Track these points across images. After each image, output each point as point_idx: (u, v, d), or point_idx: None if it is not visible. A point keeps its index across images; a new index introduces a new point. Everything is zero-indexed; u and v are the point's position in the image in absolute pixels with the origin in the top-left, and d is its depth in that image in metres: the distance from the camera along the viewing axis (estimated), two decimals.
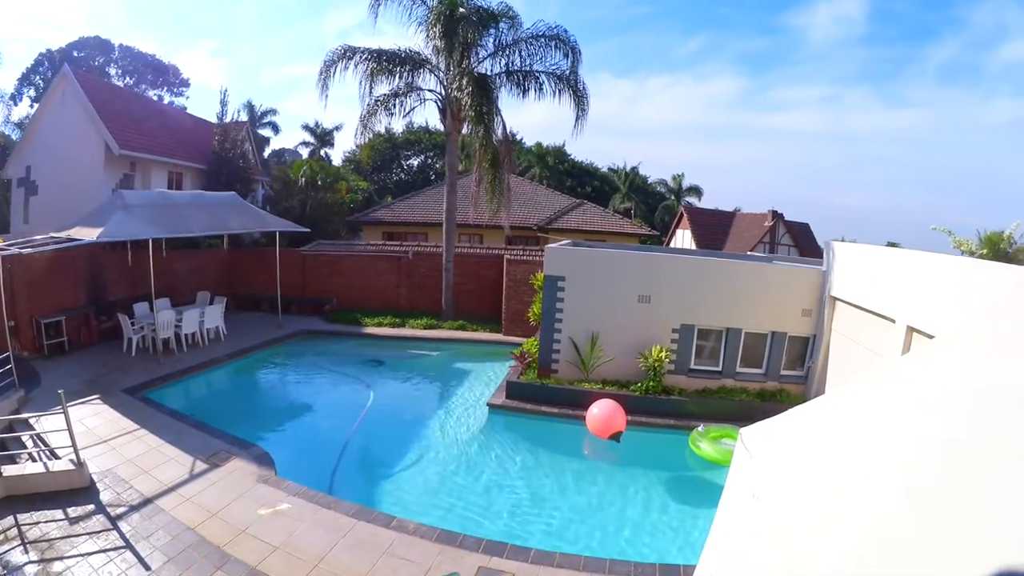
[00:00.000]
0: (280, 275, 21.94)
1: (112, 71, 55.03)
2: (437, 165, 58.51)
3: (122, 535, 8.13)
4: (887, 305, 11.90)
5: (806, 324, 15.13)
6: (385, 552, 8.07)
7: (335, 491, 10.29)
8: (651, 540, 9.66)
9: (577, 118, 22.52)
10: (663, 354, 14.57)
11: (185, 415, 12.74)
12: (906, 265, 11.76)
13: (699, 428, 12.67)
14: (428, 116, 60.39)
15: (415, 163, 63.21)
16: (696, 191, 62.48)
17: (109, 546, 7.90)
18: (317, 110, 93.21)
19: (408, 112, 23.55)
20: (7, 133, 43.66)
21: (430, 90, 23.24)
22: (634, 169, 61.91)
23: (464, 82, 21.03)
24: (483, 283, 23.75)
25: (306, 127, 54.73)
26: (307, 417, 15.10)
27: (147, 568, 7.41)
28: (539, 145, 60.99)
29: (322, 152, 54.67)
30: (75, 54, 52.43)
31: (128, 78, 55.20)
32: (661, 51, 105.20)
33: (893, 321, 11.48)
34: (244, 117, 44.84)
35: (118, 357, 16.55)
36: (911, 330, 10.91)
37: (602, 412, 12.56)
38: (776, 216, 49.51)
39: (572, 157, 63.00)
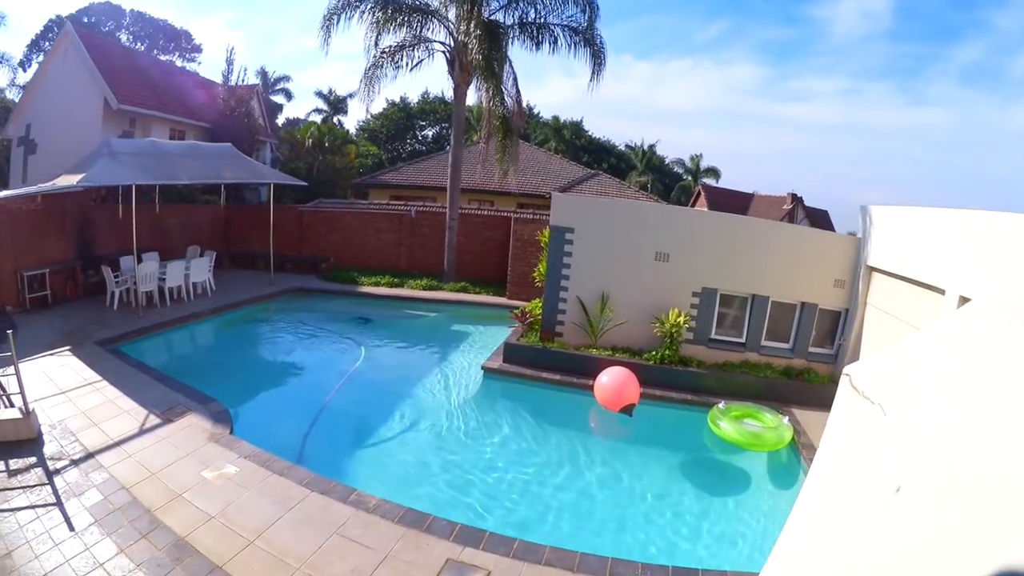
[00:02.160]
0: (277, 232, 20.95)
1: (123, 37, 53.14)
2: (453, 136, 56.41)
3: (55, 491, 7.17)
4: (936, 274, 10.01)
5: (838, 296, 13.36)
6: (336, 532, 6.69)
7: (305, 456, 9.08)
8: (663, 533, 7.97)
9: (593, 73, 21.01)
10: (681, 319, 12.79)
11: (151, 368, 11.53)
12: (961, 227, 9.75)
13: (720, 405, 11.00)
14: (444, 86, 58.04)
15: (430, 134, 61.23)
16: (714, 172, 60.14)
17: (40, 502, 6.97)
18: (332, 80, 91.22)
19: (416, 64, 21.69)
20: (10, 97, 42.09)
21: (439, 42, 21.52)
22: (652, 147, 59.79)
23: (472, 26, 19.33)
24: (488, 245, 22.22)
25: (319, 94, 53.06)
26: (285, 376, 13.60)
27: (71, 529, 6.47)
28: (556, 119, 58.99)
29: (335, 119, 52.85)
30: (85, 20, 50.71)
31: (139, 44, 53.39)
32: (682, 34, 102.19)
33: (943, 292, 9.65)
34: (257, 82, 43.50)
35: (100, 311, 15.45)
36: (964, 301, 9.07)
37: (613, 381, 10.88)
38: (796, 199, 47.53)
39: (589, 133, 60.99)
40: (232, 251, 22.75)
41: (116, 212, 18.45)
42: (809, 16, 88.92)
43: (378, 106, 60.17)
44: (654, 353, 12.89)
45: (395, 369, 14.31)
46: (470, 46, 19.54)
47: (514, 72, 21.64)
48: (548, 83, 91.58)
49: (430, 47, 21.53)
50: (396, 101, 58.59)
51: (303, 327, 16.84)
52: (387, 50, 20.90)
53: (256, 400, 11.80)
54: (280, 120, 50.05)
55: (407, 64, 21.32)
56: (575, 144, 57.94)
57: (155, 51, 52.22)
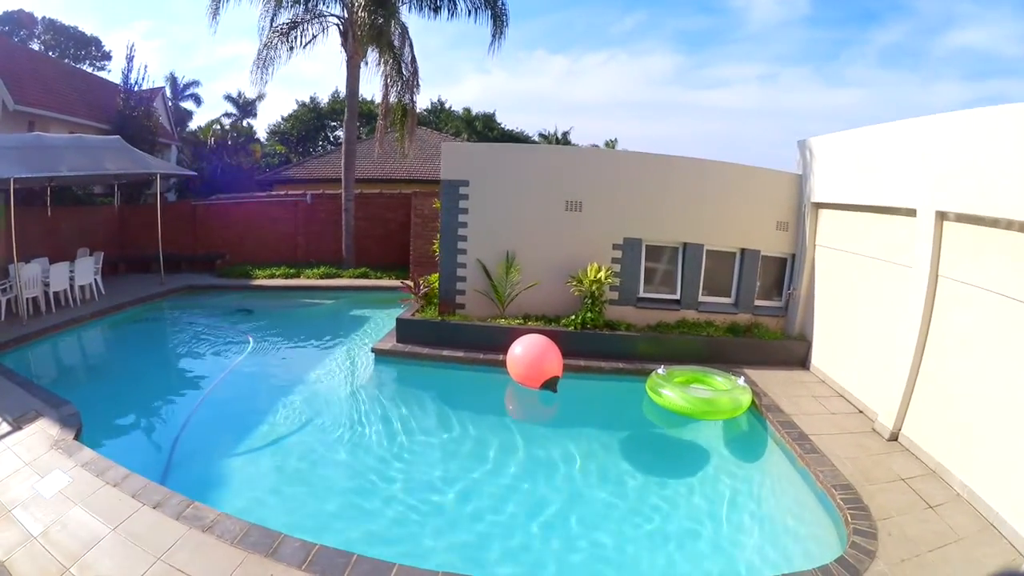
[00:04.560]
0: (171, 230, 18.48)
1: (36, 46, 48.95)
2: (362, 135, 53.41)
3: None
4: (902, 194, 8.08)
5: (783, 240, 11.45)
6: (161, 557, 5.03)
7: (174, 464, 7.26)
8: (610, 536, 5.67)
9: (494, 37, 18.94)
10: (602, 274, 10.45)
11: (16, 374, 9.71)
12: (928, 135, 7.74)
13: (659, 371, 8.83)
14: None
15: (341, 134, 57.88)
16: None
17: None
18: (248, 87, 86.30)
19: (310, 41, 19.13)
20: None
21: (334, 15, 19.15)
22: (565, 134, 57.56)
23: None
24: (390, 227, 19.88)
25: (228, 97, 48.96)
26: (161, 376, 11.04)
27: None
28: (467, 111, 56.45)
29: (244, 123, 49.17)
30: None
31: (52, 53, 49.15)
32: (597, 28, 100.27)
33: (913, 212, 7.75)
34: (163, 85, 39.99)
35: None
36: (942, 217, 7.22)
37: (529, 352, 8.54)
38: None
39: (503, 125, 58.58)
40: (128, 255, 19.81)
41: (10, 218, 15.68)
42: (725, 5, 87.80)
43: (288, 107, 56.77)
44: (573, 317, 10.60)
45: (280, 362, 11.72)
46: (356, 4, 16.98)
47: (410, 40, 19.56)
48: (462, 81, 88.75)
49: (324, 22, 19.16)
50: (306, 102, 55.17)
51: (189, 326, 14.36)
52: (280, 28, 18.51)
53: (121, 402, 9.40)
54: (192, 126, 46.43)
55: (301, 42, 18.87)
56: (487, 136, 55.46)
57: (66, 59, 48.24)
